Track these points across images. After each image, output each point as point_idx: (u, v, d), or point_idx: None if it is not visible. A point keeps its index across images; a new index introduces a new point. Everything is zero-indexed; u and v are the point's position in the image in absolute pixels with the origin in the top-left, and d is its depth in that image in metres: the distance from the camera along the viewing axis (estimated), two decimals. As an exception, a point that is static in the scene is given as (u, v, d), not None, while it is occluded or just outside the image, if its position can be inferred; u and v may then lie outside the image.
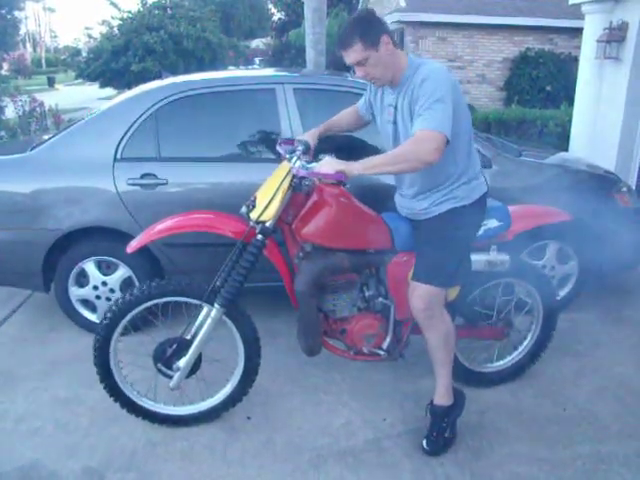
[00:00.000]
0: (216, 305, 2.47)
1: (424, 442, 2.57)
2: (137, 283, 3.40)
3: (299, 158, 2.45)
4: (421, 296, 2.44)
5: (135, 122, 3.32)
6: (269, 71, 4.23)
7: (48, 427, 2.72)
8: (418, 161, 2.19)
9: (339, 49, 2.33)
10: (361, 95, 2.87)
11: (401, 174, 2.55)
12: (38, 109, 7.60)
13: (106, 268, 3.47)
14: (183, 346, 2.54)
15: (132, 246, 2.55)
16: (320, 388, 2.99)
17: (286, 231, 2.55)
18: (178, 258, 3.43)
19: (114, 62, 12.76)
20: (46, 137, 3.85)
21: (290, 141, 2.75)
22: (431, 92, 2.21)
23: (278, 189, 2.36)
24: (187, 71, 12.70)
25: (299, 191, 2.38)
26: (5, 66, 7.36)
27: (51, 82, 32.79)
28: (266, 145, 3.52)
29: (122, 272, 3.43)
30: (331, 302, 2.61)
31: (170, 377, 2.56)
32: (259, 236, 2.42)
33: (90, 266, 3.43)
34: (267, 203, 2.37)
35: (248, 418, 2.79)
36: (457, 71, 12.85)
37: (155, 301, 2.54)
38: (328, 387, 2.99)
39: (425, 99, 2.22)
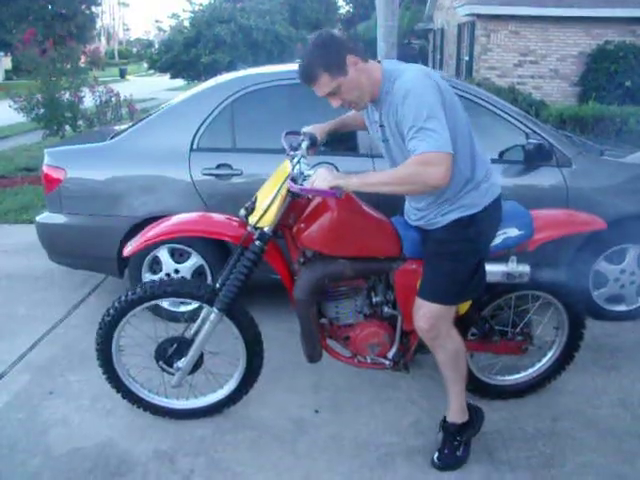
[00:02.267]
0: (214, 309, 2.43)
1: (435, 455, 2.46)
2: (208, 272, 3.45)
3: (303, 156, 2.35)
4: (425, 315, 2.29)
5: (212, 113, 3.37)
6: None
7: (120, 408, 2.80)
8: (426, 186, 2.02)
9: (306, 84, 2.18)
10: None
11: None
12: (114, 99, 7.83)
13: (179, 256, 3.54)
14: (184, 346, 2.53)
15: (128, 250, 2.52)
16: (389, 385, 2.95)
17: (287, 235, 2.45)
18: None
19: (185, 54, 13.06)
20: (124, 126, 3.97)
21: (296, 133, 2.61)
22: (418, 110, 1.99)
23: (277, 194, 2.26)
24: (255, 63, 12.87)
25: (298, 197, 2.29)
26: (82, 58, 7.67)
27: (123, 73, 33.88)
28: (338, 138, 3.49)
29: (194, 261, 3.48)
30: (334, 309, 2.51)
31: (172, 374, 2.57)
32: (257, 242, 2.34)
33: (164, 254, 3.50)
34: (266, 208, 2.28)
35: (316, 412, 2.79)
36: (529, 66, 12.47)
37: (156, 301, 2.54)
38: (397, 384, 2.95)
39: (413, 119, 2.00)
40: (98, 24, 37.90)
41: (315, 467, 2.45)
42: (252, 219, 2.33)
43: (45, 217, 3.72)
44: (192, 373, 2.61)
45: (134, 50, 69.35)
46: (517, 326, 2.69)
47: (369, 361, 2.62)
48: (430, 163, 1.97)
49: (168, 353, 2.53)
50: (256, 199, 2.39)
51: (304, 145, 2.46)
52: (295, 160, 2.35)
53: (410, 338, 2.57)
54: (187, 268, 3.50)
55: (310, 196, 2.32)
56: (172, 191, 3.39)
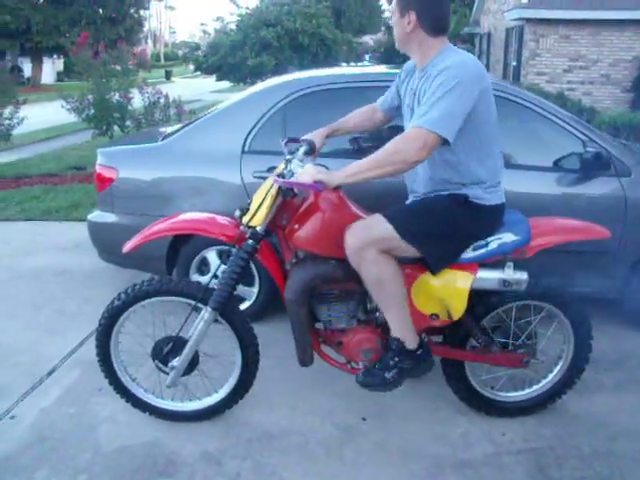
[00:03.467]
0: (208, 307, 2.43)
1: (362, 372, 2.46)
2: (256, 275, 3.46)
3: (300, 160, 2.37)
4: (363, 229, 2.26)
5: (264, 115, 3.38)
6: (393, 68, 4.15)
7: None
8: (403, 162, 2.10)
9: None
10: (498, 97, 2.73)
11: (412, 175, 2.46)
12: (162, 100, 7.96)
13: (227, 258, 3.54)
14: (179, 345, 2.52)
15: (127, 247, 2.56)
16: (438, 394, 2.89)
17: (280, 236, 2.46)
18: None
19: (231, 56, 13.19)
20: (175, 127, 4.00)
21: (295, 140, 2.65)
22: (439, 86, 2.10)
23: (267, 194, 2.30)
24: (301, 66, 12.92)
25: (289, 196, 2.31)
26: (131, 60, 7.87)
27: (168, 75, 34.49)
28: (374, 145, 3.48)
29: (243, 263, 3.48)
30: (326, 312, 2.49)
31: (167, 373, 2.56)
32: (249, 241, 2.36)
33: (212, 255, 3.52)
34: (257, 207, 2.32)
35: (363, 419, 2.76)
36: (579, 71, 12.19)
37: (152, 299, 2.54)
38: (445, 393, 2.88)
39: (432, 92, 2.11)
40: (145, 27, 38.58)
41: (362, 475, 2.42)
42: (245, 219, 2.37)
43: (96, 216, 3.78)
44: (187, 374, 2.60)
45: (179, 52, 70.67)
46: (518, 338, 2.59)
47: (362, 367, 2.56)
48: (412, 138, 2.08)
49: (164, 352, 2.53)
50: (251, 201, 2.43)
51: (301, 150, 2.48)
52: (288, 161, 2.40)
53: None
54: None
55: (297, 192, 2.32)
56: (222, 193, 3.41)
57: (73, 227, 5.85)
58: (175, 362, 2.52)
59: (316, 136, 2.62)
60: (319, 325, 2.57)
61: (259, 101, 3.47)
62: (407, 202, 2.60)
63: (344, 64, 14.30)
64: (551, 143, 3.46)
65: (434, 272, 2.37)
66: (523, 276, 2.38)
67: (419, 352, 2.43)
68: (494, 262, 2.42)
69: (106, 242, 3.79)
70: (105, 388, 2.96)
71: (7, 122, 7.84)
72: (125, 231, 3.61)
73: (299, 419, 2.76)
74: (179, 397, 2.74)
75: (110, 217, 3.68)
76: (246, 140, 3.39)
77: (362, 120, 2.78)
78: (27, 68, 30.48)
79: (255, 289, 3.53)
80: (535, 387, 2.75)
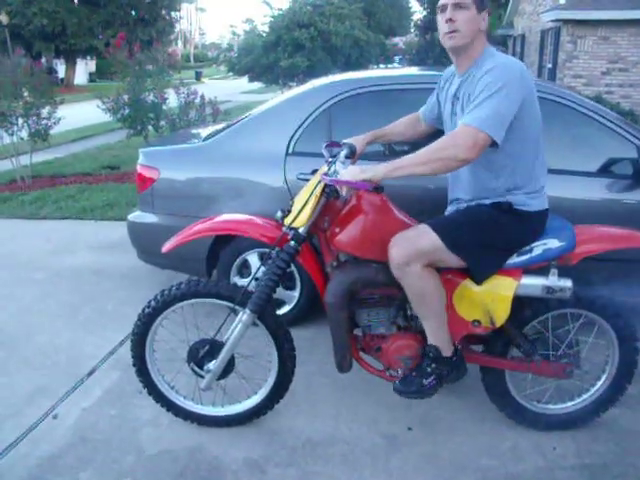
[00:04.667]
0: (246, 310, 2.38)
1: (399, 379, 2.43)
2: (298, 278, 3.41)
3: (342, 162, 2.34)
4: (409, 241, 2.22)
5: (309, 117, 3.33)
6: (433, 70, 4.07)
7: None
8: (452, 159, 2.04)
9: None
10: (543, 99, 2.65)
11: (454, 181, 2.44)
12: (198, 100, 7.96)
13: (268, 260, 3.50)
14: (215, 348, 2.48)
15: (167, 247, 2.56)
16: (483, 403, 2.80)
17: (322, 238, 2.42)
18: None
19: (264, 57, 13.20)
20: (216, 128, 3.98)
21: (336, 144, 2.61)
22: (487, 86, 2.06)
23: (311, 195, 2.27)
24: (334, 68, 12.87)
25: (332, 197, 2.27)
26: (162, 61, 7.93)
27: (198, 76, 34.75)
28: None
29: (285, 266, 3.43)
30: (366, 317, 2.46)
31: (203, 377, 2.52)
32: (291, 242, 2.32)
33: (253, 257, 3.48)
34: (300, 209, 2.28)
35: (409, 429, 2.69)
36: (618, 73, 11.93)
37: (189, 301, 2.51)
38: (490, 403, 2.81)
39: (479, 93, 2.08)
40: (176, 29, 38.91)
41: (410, 487, 2.36)
42: (287, 220, 2.33)
43: (136, 216, 3.77)
44: (223, 378, 2.56)
45: (209, 54, 71.26)
46: (559, 347, 2.51)
47: (400, 375, 2.50)
48: (461, 135, 2.03)
49: (199, 355, 2.50)
50: (293, 203, 2.41)
51: (342, 154, 2.46)
52: (331, 163, 2.38)
53: None
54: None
55: (341, 193, 2.27)
56: (265, 195, 3.36)
57: (109, 226, 5.89)
58: (211, 365, 2.48)
59: (357, 141, 2.60)
60: (358, 331, 2.53)
61: (304, 103, 3.42)
62: (447, 212, 2.54)
63: (374, 66, 14.23)
64: (600, 147, 3.35)
65: (479, 282, 2.32)
66: (567, 283, 2.32)
67: (454, 359, 2.41)
68: (538, 268, 2.35)
69: (146, 242, 3.78)
70: (145, 390, 2.95)
71: (45, 122, 7.91)
72: (165, 232, 3.59)
73: (343, 427, 2.70)
74: (218, 401, 2.70)
75: (150, 217, 3.67)
76: (290, 142, 3.34)
77: (406, 129, 2.74)
78: (61, 69, 31.09)
79: (296, 293, 3.48)
80: (578, 399, 2.67)
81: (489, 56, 2.20)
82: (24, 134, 7.91)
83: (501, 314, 2.34)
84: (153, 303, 2.53)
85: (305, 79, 12.42)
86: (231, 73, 15.40)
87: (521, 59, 17.98)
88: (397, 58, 23.51)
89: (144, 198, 3.67)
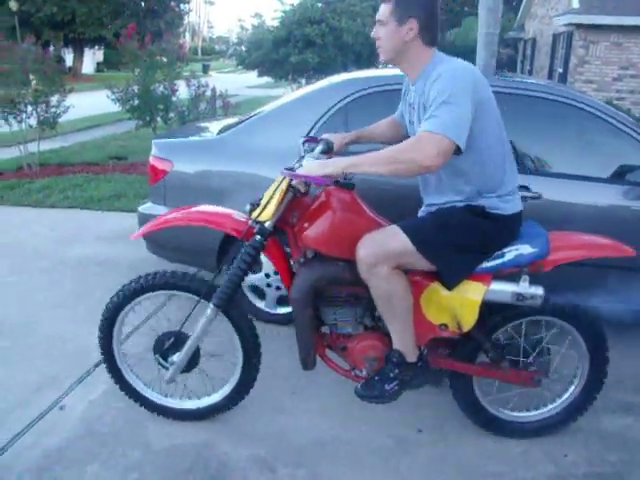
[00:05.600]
0: (210, 304, 2.36)
1: (362, 382, 2.39)
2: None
3: (316, 158, 2.30)
4: (377, 243, 2.16)
5: (325, 114, 3.29)
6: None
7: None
8: (415, 164, 1.96)
9: None
10: (559, 102, 2.62)
11: (425, 186, 2.38)
12: (209, 93, 7.92)
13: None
14: (180, 341, 2.47)
15: (135, 235, 2.60)
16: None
17: (290, 234, 2.38)
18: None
19: (274, 53, 13.16)
20: (229, 122, 3.94)
21: (314, 139, 2.60)
22: (440, 92, 2.00)
23: (276, 189, 2.25)
24: (344, 65, 12.82)
25: (298, 193, 2.24)
26: (162, 53, 7.88)
27: (205, 69, 34.69)
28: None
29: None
30: (332, 315, 2.41)
31: (167, 368, 2.51)
32: (257, 236, 2.29)
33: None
34: (266, 203, 2.25)
35: (419, 431, 2.66)
36: (629, 80, 11.87)
37: (156, 292, 2.50)
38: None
39: (432, 100, 2.01)
40: (185, 21, 38.87)
41: (420, 491, 2.33)
42: (254, 214, 2.30)
43: (148, 208, 3.74)
44: (187, 371, 2.55)
45: (217, 47, 71.11)
46: (529, 355, 2.48)
47: (365, 375, 2.46)
48: (425, 141, 1.95)
49: (165, 346, 2.49)
50: (263, 196, 2.36)
51: (318, 149, 2.44)
52: (302, 158, 2.34)
53: None
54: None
55: (301, 188, 2.24)
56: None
57: (115, 217, 5.86)
58: (175, 357, 2.48)
59: (337, 138, 2.56)
60: (325, 329, 2.49)
61: (320, 99, 3.38)
62: (420, 214, 2.49)
63: (381, 65, 14.17)
64: (615, 153, 3.32)
65: (450, 287, 2.26)
66: (539, 291, 2.27)
67: (419, 364, 2.37)
68: (509, 274, 2.30)
69: (155, 235, 3.72)
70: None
71: (53, 110, 7.88)
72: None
73: (352, 427, 2.68)
74: (181, 395, 2.70)
75: (162, 210, 3.62)
76: (305, 139, 3.30)
77: (389, 130, 2.68)
78: (68, 58, 31.03)
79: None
80: (549, 407, 2.65)
81: (438, 63, 2.13)
82: (33, 122, 7.88)
83: (469, 319, 2.29)
84: (120, 294, 2.52)
85: (315, 75, 12.40)
86: (240, 67, 15.36)
87: (531, 63, 17.93)
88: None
89: (156, 190, 3.63)
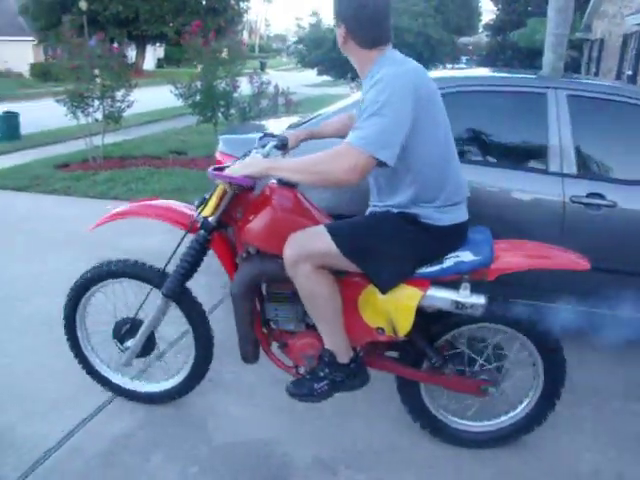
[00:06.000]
0: (160, 293, 2.44)
1: (292, 380, 2.38)
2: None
3: (265, 155, 2.32)
4: (302, 240, 2.13)
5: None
6: (533, 74, 3.90)
7: (280, 406, 2.74)
8: (330, 176, 1.92)
9: None
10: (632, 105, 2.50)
11: (371, 184, 2.31)
12: (272, 89, 7.96)
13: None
14: (135, 327, 2.56)
15: (91, 227, 2.62)
16: (563, 419, 2.68)
17: (235, 229, 2.37)
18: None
19: (334, 51, 13.13)
20: (296, 120, 3.93)
21: (271, 135, 2.59)
22: (372, 101, 1.92)
23: (217, 185, 2.27)
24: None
25: (238, 190, 2.23)
26: (224, 50, 7.91)
27: (263, 67, 35.03)
28: (528, 153, 3.27)
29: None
30: (274, 312, 2.42)
31: (123, 352, 2.60)
32: (201, 231, 2.35)
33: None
34: (208, 198, 2.31)
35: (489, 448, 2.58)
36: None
37: (112, 280, 2.59)
38: (582, 426, 2.67)
39: (364, 109, 1.95)
40: (244, 19, 39.24)
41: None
42: (200, 208, 2.35)
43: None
44: (143, 356, 2.65)
45: (274, 45, 71.80)
46: (475, 363, 2.38)
47: (303, 373, 2.44)
48: (341, 154, 1.90)
49: (122, 332, 2.58)
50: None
51: (269, 145, 2.45)
52: (252, 152, 2.37)
53: None
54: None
55: (236, 186, 2.22)
56: (345, 192, 3.28)
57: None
58: (130, 342, 2.57)
59: (292, 135, 2.55)
60: (273, 325, 2.49)
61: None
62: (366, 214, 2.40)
63: (440, 67, 13.96)
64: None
65: (382, 291, 2.19)
66: (480, 300, 2.17)
67: (352, 366, 2.32)
68: (452, 281, 2.21)
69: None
70: (215, 380, 2.94)
71: (118, 105, 8.09)
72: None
73: (405, 433, 2.62)
74: (137, 377, 2.84)
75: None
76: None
77: (340, 126, 2.62)
78: (131, 55, 31.87)
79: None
80: (502, 419, 2.54)
81: (383, 65, 2.02)
82: (99, 116, 8.10)
83: (404, 324, 2.22)
84: (79, 281, 2.62)
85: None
86: (298, 65, 15.40)
87: (597, 65, 17.35)
88: (464, 59, 23.05)
89: (223, 185, 3.64)
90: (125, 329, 2.59)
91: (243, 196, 2.30)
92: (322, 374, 2.31)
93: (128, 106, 8.20)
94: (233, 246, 2.43)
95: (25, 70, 28.96)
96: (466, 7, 34.11)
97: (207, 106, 8.10)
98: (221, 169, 2.24)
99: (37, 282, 4.13)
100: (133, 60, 31.07)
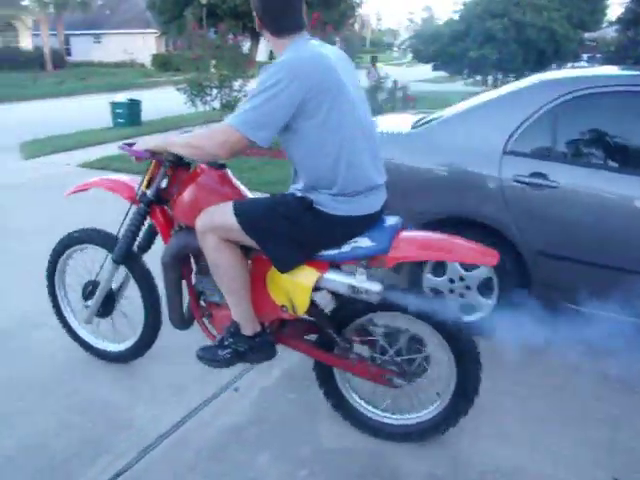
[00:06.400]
0: (110, 257, 2.72)
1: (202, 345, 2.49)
2: (496, 286, 3.16)
3: None
4: (211, 214, 2.26)
5: (533, 114, 3.00)
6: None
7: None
8: (204, 151, 2.11)
9: None
10: None
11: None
12: (392, 84, 7.79)
13: (465, 268, 3.26)
14: (95, 288, 2.85)
15: (66, 193, 2.88)
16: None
17: (171, 204, 2.54)
18: (551, 270, 3.06)
19: (452, 47, 12.79)
20: (425, 116, 3.78)
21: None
22: (257, 84, 2.02)
23: (151, 163, 2.54)
24: (525, 62, 12.13)
25: (166, 167, 2.47)
26: (337, 44, 7.94)
27: (373, 61, 34.80)
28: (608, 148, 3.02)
29: (484, 271, 3.19)
30: (200, 283, 2.56)
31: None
32: (140, 204, 2.58)
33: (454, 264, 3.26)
34: (144, 173, 2.58)
35: (614, 479, 2.35)
36: None
37: (79, 245, 2.90)
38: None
39: (250, 90, 2.09)
40: (357, 12, 39.19)
41: None
42: (140, 183, 2.62)
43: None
44: (104, 317, 2.92)
45: (384, 39, 71.28)
46: (386, 352, 2.37)
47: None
48: (218, 132, 2.05)
49: (86, 292, 2.88)
50: None
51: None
52: None
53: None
54: (474, 277, 3.22)
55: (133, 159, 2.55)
56: (476, 193, 3.11)
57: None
58: (89, 302, 2.86)
59: None
60: (203, 297, 2.62)
61: (527, 99, 3.09)
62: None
63: (554, 65, 13.23)
64: None
65: (280, 271, 2.26)
66: (375, 287, 2.18)
67: (256, 339, 2.41)
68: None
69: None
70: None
71: (234, 94, 8.27)
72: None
73: (537, 459, 2.43)
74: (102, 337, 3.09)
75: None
76: (509, 140, 3.04)
77: None
78: (244, 46, 32.71)
79: (492, 302, 3.22)
80: (415, 415, 2.50)
81: (287, 52, 2.08)
82: (216, 104, 8.32)
83: (301, 303, 2.28)
84: (55, 247, 2.97)
85: (490, 72, 11.83)
86: (410, 60, 15.13)
87: None
88: (585, 56, 21.71)
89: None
90: (88, 290, 2.87)
91: (179, 175, 2.50)
92: (226, 343, 2.42)
93: (244, 95, 8.37)
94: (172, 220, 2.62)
95: (147, 60, 30.50)
96: (590, 1, 32.21)
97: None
98: (130, 145, 2.53)
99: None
100: (247, 51, 31.85)
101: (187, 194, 2.41)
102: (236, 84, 8.18)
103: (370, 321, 2.41)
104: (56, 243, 2.95)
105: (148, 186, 2.56)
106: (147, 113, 11.20)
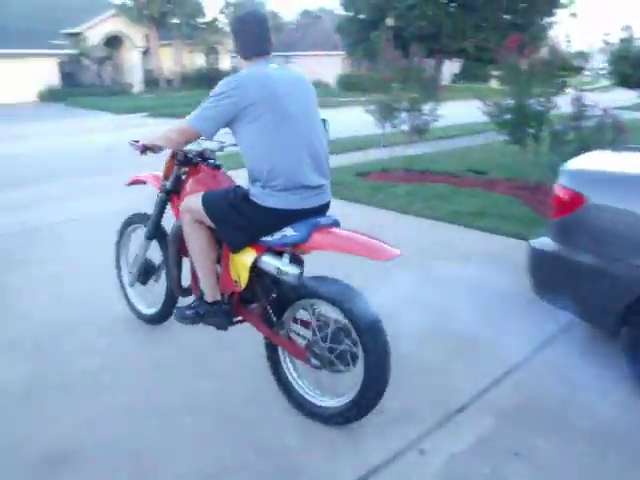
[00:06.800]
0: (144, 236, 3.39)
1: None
2: None
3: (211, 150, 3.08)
4: (191, 199, 2.79)
5: None
6: None
7: None
8: (169, 140, 2.69)
9: None
10: None
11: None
12: (599, 111, 6.85)
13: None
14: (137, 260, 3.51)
15: (126, 183, 3.65)
16: None
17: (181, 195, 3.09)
18: None
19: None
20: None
21: None
22: (211, 92, 2.53)
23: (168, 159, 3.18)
24: None
25: (176, 163, 3.11)
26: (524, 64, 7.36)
27: (563, 85, 32.73)
28: None
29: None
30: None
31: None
32: (162, 193, 3.21)
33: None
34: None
35: None
36: None
37: (134, 225, 3.63)
38: None
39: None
40: (547, 35, 37.11)
41: None
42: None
43: (543, 243, 3.23)
44: (143, 284, 3.57)
45: (574, 62, 66.89)
46: (316, 336, 2.60)
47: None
48: (179, 125, 2.67)
49: (132, 262, 3.57)
50: None
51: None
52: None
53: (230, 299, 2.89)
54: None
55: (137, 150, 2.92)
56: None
57: (475, 236, 5.51)
58: (133, 269, 3.53)
59: None
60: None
61: None
62: None
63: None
64: None
65: (231, 251, 2.72)
66: (293, 270, 2.52)
67: (215, 307, 2.86)
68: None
69: (548, 276, 3.24)
70: (522, 454, 2.46)
71: (424, 118, 8.01)
72: (580, 272, 3.01)
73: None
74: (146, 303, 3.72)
75: (561, 249, 3.10)
76: None
77: None
78: (429, 70, 32.55)
79: None
80: (336, 400, 2.68)
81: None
82: (405, 127, 8.11)
83: (243, 278, 2.70)
84: (120, 227, 3.70)
85: None
86: (605, 84, 13.79)
87: None
88: None
89: (560, 226, 3.11)
90: (133, 261, 3.51)
91: (190, 171, 3.06)
92: (192, 305, 2.94)
93: (434, 120, 8.07)
94: None
95: (331, 81, 31.55)
96: None
97: (518, 126, 7.53)
98: (136, 142, 2.87)
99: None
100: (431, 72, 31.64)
101: (187, 186, 3.03)
102: (426, 108, 7.92)
103: (311, 307, 2.64)
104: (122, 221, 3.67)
105: (166, 179, 3.18)
106: (333, 132, 11.19)
